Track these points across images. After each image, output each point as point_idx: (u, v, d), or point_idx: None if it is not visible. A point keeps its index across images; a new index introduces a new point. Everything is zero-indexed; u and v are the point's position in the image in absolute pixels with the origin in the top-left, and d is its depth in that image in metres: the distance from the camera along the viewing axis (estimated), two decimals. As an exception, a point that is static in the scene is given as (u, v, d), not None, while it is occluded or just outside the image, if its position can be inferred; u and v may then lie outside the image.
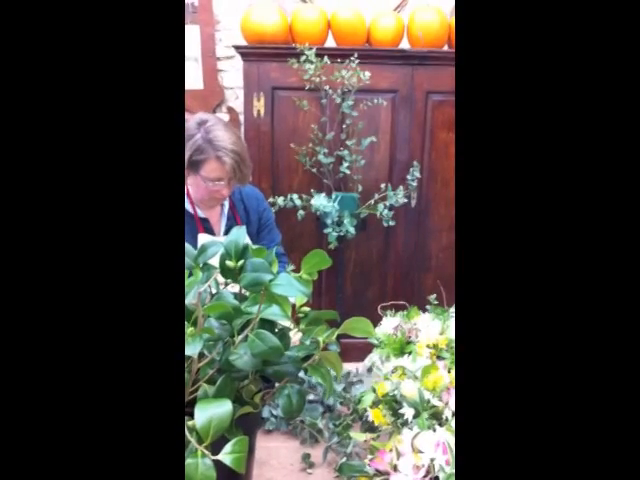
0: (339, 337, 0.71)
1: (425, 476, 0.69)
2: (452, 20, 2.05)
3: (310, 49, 1.82)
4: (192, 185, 1.42)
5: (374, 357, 1.15)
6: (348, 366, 1.31)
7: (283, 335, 0.66)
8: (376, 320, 1.24)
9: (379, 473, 0.74)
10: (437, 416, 0.84)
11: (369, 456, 0.78)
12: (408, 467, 0.69)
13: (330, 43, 2.04)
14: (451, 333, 1.10)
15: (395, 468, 0.71)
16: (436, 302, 1.23)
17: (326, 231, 1.91)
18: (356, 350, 1.32)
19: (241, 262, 0.65)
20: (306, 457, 0.98)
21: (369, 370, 1.23)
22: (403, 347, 1.09)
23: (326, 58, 1.82)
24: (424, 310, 1.19)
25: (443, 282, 2.05)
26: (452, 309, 1.18)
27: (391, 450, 0.74)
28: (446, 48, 2.05)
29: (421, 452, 0.71)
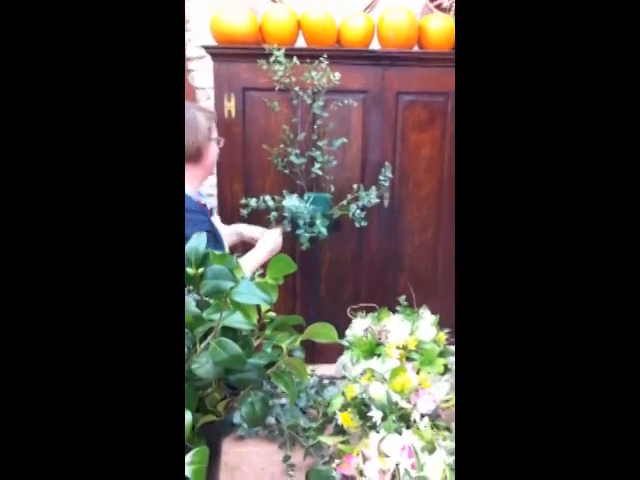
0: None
1: None
2: (421, 21, 2.06)
3: (279, 50, 1.81)
4: (202, 167, 1.56)
5: (345, 359, 1.15)
6: (323, 367, 1.31)
7: (246, 343, 0.65)
8: (351, 320, 1.24)
9: (345, 478, 0.73)
10: (405, 418, 0.84)
11: (336, 460, 0.78)
12: (374, 472, 0.69)
13: (301, 43, 2.04)
14: (420, 334, 1.10)
15: (361, 473, 0.71)
16: (406, 303, 1.23)
17: (298, 232, 1.90)
18: (331, 352, 1.32)
19: (202, 269, 0.64)
20: (287, 458, 0.99)
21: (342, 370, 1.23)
22: (373, 349, 1.09)
23: (295, 59, 1.80)
24: (395, 311, 1.19)
25: (416, 281, 2.07)
26: (422, 310, 1.18)
27: (358, 454, 0.74)
28: (416, 48, 2.06)
29: (387, 456, 0.71)
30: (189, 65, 2.44)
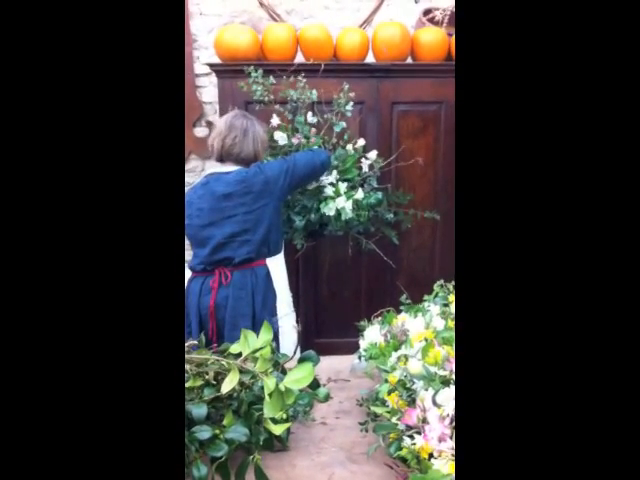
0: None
1: (450, 423, 0.79)
2: (414, 34, 2.17)
3: (256, 70, 1.90)
4: None
5: (355, 362, 1.23)
6: (339, 359, 1.38)
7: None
8: (351, 319, 1.32)
9: (409, 428, 0.85)
10: (447, 383, 0.91)
11: (395, 417, 0.89)
12: (435, 418, 0.80)
13: (300, 59, 2.16)
14: (433, 325, 1.18)
15: (424, 421, 0.81)
16: (409, 301, 1.31)
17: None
18: (344, 348, 1.43)
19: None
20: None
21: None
22: (397, 348, 1.16)
23: (272, 78, 1.91)
24: (399, 311, 1.28)
25: (413, 281, 2.16)
26: (427, 304, 1.26)
27: (416, 408, 0.85)
28: (409, 61, 2.18)
29: (441, 406, 0.81)
30: (197, 82, 2.57)
